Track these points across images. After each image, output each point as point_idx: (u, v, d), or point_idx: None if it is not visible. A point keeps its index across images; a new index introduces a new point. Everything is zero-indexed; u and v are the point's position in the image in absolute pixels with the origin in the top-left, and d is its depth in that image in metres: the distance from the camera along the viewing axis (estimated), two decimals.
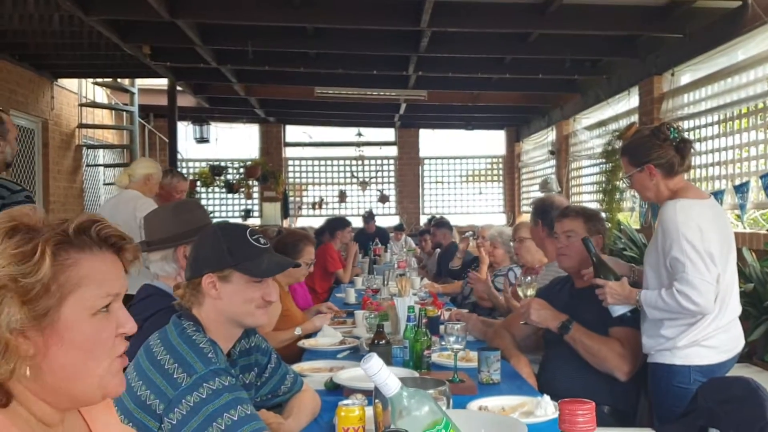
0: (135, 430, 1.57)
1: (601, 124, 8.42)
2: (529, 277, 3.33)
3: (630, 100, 7.46)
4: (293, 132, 13.37)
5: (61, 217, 1.15)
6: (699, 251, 2.66)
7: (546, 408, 2.30)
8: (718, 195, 5.10)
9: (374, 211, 11.95)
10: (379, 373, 1.40)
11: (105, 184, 10.75)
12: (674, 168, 2.83)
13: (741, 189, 5.19)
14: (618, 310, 2.88)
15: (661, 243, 2.77)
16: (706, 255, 2.67)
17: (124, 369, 1.89)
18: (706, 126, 6.12)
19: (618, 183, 7.43)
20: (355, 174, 13.27)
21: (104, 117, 10.91)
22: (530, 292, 3.35)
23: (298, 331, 3.90)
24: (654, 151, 2.82)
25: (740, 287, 2.85)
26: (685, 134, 3.08)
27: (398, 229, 11.02)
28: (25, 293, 1.05)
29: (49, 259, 1.07)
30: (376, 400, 1.80)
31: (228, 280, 1.94)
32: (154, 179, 5.11)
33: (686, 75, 6.45)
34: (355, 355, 3.36)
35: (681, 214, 2.72)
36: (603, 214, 7.30)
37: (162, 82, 9.72)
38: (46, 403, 1.12)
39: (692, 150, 2.92)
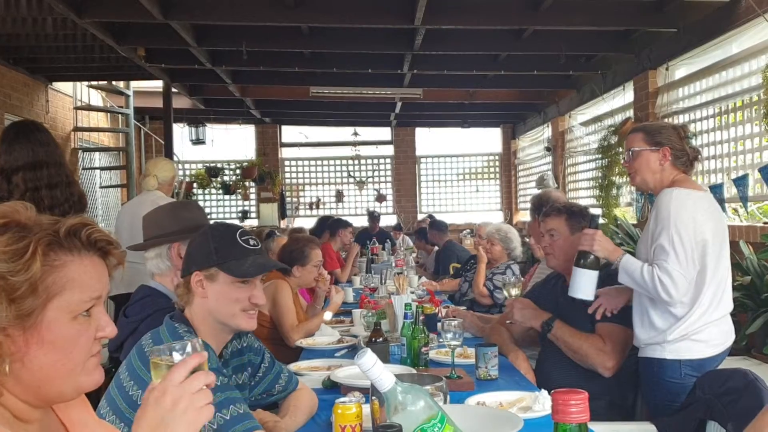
0: (114, 427, 1.56)
1: (597, 119, 8.42)
2: (513, 277, 3.33)
3: (625, 96, 7.46)
4: (289, 132, 13.34)
5: (52, 217, 1.15)
6: (685, 244, 2.67)
7: (544, 403, 2.29)
8: (715, 188, 5.09)
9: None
10: (373, 368, 1.40)
11: (101, 187, 10.71)
12: (684, 162, 2.89)
13: (741, 182, 5.17)
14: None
15: (651, 229, 2.78)
16: (692, 248, 2.68)
17: (117, 368, 1.90)
18: (701, 120, 6.12)
19: (614, 178, 7.42)
20: (351, 173, 13.25)
21: (99, 120, 10.88)
22: (515, 291, 3.36)
23: (328, 316, 4.02)
24: (675, 139, 2.88)
25: (737, 280, 2.86)
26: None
27: (396, 228, 11.00)
28: (13, 291, 1.05)
29: (39, 259, 1.07)
30: (373, 398, 1.79)
31: (214, 279, 1.93)
32: (175, 179, 5.24)
33: (681, 69, 6.44)
34: (353, 353, 3.36)
35: (675, 202, 2.73)
36: (599, 210, 7.32)
37: (157, 84, 9.69)
38: (21, 401, 1.12)
39: (699, 157, 2.99)
